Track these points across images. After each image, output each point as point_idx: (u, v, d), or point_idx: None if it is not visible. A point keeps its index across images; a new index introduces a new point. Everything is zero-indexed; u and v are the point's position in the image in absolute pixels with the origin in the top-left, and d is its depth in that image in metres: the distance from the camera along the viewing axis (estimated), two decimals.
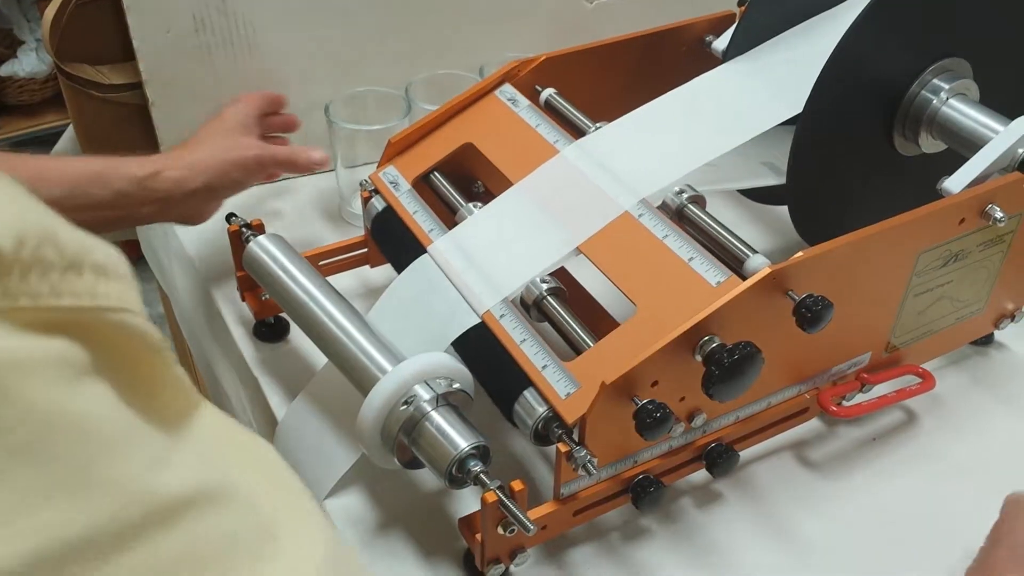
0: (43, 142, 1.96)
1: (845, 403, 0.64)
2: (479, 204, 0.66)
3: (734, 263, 0.56)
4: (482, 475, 0.52)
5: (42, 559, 0.20)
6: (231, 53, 0.85)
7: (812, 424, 0.66)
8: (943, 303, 0.64)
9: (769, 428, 0.63)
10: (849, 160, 0.68)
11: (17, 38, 1.94)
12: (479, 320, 0.59)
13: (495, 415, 0.58)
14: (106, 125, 0.90)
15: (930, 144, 0.67)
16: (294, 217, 0.88)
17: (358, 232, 0.76)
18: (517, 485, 0.52)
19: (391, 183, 0.70)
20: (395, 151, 0.72)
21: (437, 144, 0.72)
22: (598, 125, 0.68)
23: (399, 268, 0.66)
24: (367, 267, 0.77)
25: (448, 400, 0.54)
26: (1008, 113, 0.63)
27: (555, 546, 0.59)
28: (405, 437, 0.54)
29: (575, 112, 0.70)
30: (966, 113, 0.65)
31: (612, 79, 0.76)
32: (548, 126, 0.68)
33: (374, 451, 0.55)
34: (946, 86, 0.65)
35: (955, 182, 0.60)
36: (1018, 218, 0.62)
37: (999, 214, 0.59)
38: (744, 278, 0.53)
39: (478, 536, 0.54)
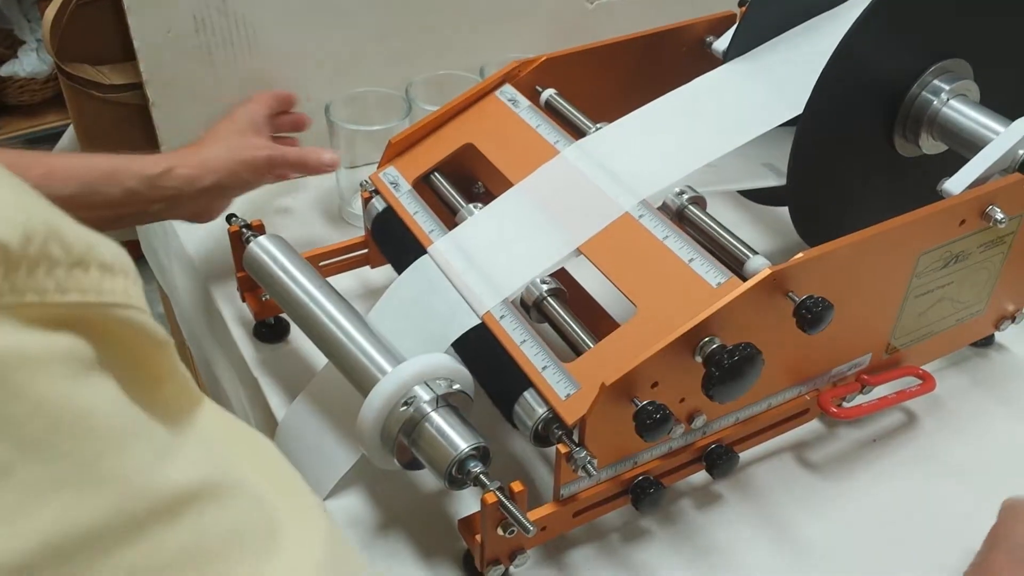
0: (43, 142, 1.96)
1: (845, 404, 0.64)
2: (479, 205, 0.66)
3: (734, 264, 0.56)
4: (482, 476, 0.52)
5: (50, 550, 0.20)
6: (231, 53, 0.85)
7: (812, 425, 0.66)
8: (943, 304, 0.64)
9: (769, 429, 0.62)
10: (849, 161, 0.68)
11: (18, 38, 1.94)
12: (479, 321, 0.59)
13: (495, 416, 0.58)
14: (106, 125, 0.90)
15: (931, 145, 0.67)
16: (294, 217, 0.88)
17: (358, 233, 0.76)
18: (517, 486, 0.52)
19: (391, 183, 0.70)
20: (395, 152, 0.72)
21: (437, 145, 0.72)
22: (598, 126, 0.68)
23: (399, 269, 0.66)
24: (367, 268, 0.77)
25: (448, 401, 0.54)
26: (1009, 114, 0.63)
27: (555, 547, 0.59)
28: (405, 438, 0.53)
29: (575, 113, 0.70)
30: (967, 114, 0.65)
31: (612, 80, 0.76)
32: (548, 127, 0.68)
33: (374, 452, 0.55)
34: (947, 87, 0.65)
35: (956, 183, 0.60)
36: (1019, 219, 0.62)
37: (1000, 215, 0.59)
38: (744, 279, 0.53)
39: (478, 537, 0.54)
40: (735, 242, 0.57)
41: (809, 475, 0.64)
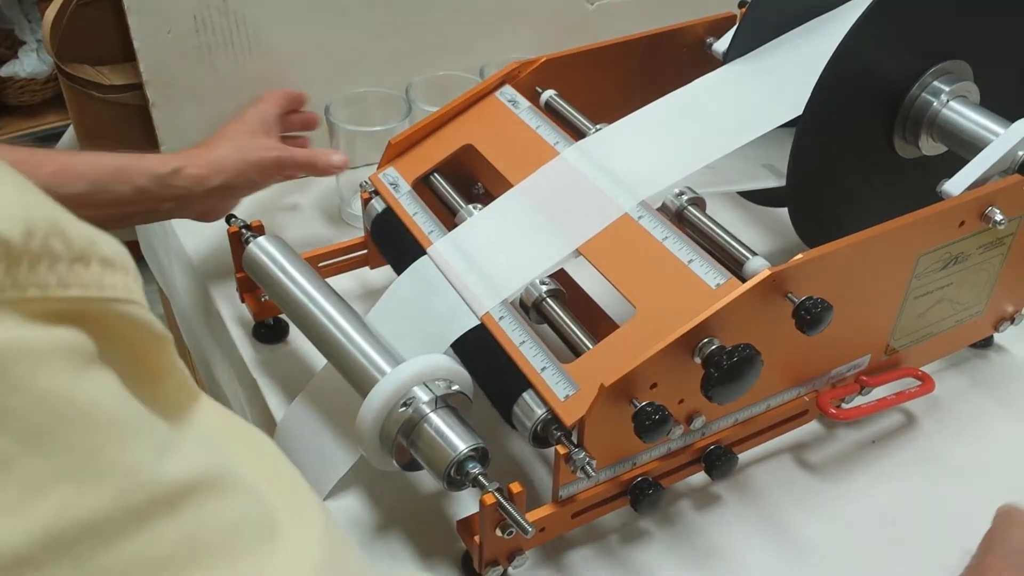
0: (43, 143, 1.96)
1: (844, 405, 0.64)
2: (479, 206, 0.66)
3: (734, 265, 0.56)
4: (480, 477, 0.51)
5: (51, 542, 0.20)
6: (231, 53, 0.85)
7: (811, 426, 0.66)
8: (943, 305, 0.64)
9: (768, 430, 0.62)
10: (849, 162, 0.68)
11: (18, 39, 1.94)
12: (478, 322, 0.59)
13: (494, 417, 0.58)
14: (106, 126, 0.90)
15: (930, 146, 0.67)
16: (294, 218, 0.88)
17: (358, 233, 0.76)
18: (515, 487, 0.52)
19: (391, 184, 0.70)
20: (395, 152, 0.72)
21: (437, 145, 0.72)
22: (598, 127, 0.68)
23: (399, 269, 0.66)
24: (367, 268, 0.77)
25: (447, 402, 0.54)
26: (1008, 115, 0.63)
27: (553, 548, 0.59)
28: (404, 439, 0.53)
29: (575, 114, 0.70)
30: (966, 115, 0.65)
31: (612, 81, 0.76)
32: (548, 128, 0.68)
33: (373, 453, 0.55)
34: (946, 88, 0.65)
35: (955, 184, 0.60)
36: (1018, 220, 0.62)
37: (999, 216, 0.59)
38: (744, 280, 0.53)
39: (476, 538, 0.54)
40: (734, 243, 0.57)
41: (808, 476, 0.64)
